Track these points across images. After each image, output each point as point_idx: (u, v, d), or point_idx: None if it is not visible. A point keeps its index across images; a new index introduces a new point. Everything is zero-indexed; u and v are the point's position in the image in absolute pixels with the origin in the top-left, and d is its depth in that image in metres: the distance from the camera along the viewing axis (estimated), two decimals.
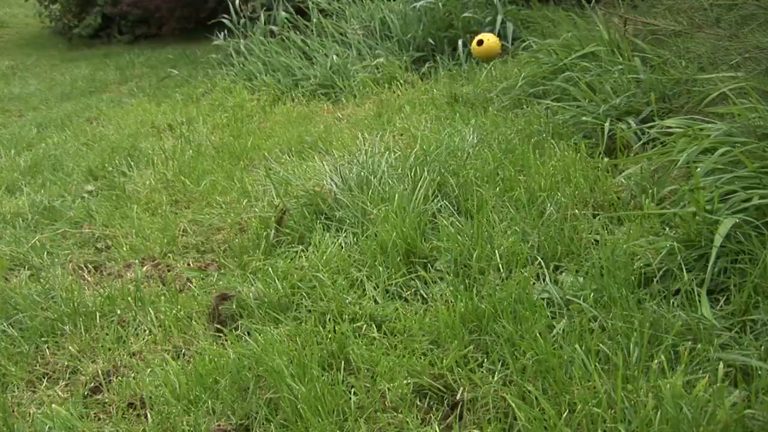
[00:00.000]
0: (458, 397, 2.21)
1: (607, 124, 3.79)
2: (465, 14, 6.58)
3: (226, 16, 8.69)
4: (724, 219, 2.50)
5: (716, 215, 2.56)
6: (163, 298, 3.06)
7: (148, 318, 2.91)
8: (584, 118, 3.94)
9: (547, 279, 2.66)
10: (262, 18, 8.34)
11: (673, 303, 2.40)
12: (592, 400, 2.01)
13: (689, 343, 2.19)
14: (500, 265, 2.75)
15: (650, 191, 3.01)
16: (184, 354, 2.70)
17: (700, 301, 2.35)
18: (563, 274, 2.70)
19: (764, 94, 2.89)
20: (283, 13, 8.04)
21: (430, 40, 6.68)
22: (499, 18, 6.46)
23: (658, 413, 1.88)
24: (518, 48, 5.87)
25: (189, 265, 3.44)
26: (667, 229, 2.76)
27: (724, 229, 2.45)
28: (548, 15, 5.94)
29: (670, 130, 3.29)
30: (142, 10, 12.92)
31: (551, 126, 4.03)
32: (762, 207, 2.52)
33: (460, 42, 6.42)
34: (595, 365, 2.12)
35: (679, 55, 4.18)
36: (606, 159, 3.48)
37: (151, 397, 2.44)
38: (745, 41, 2.81)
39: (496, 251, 2.80)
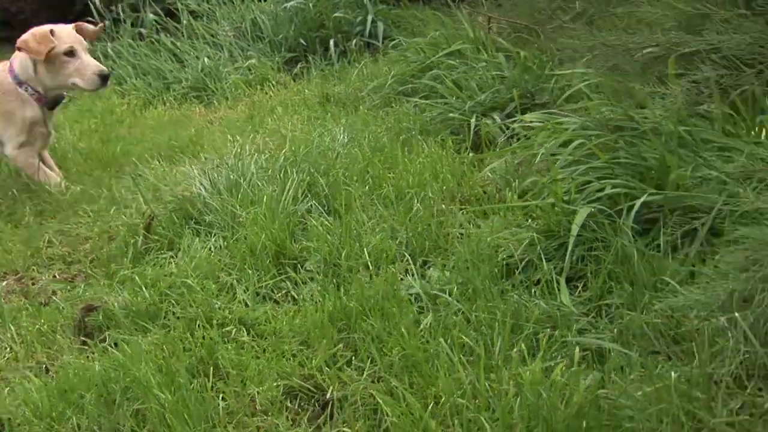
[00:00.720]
0: (328, 396, 2.22)
1: (473, 120, 3.88)
2: (336, 14, 6.59)
3: (91, 19, 8.42)
4: (580, 209, 2.60)
5: (573, 205, 2.66)
6: (25, 312, 2.95)
7: (9, 335, 2.79)
8: (451, 114, 4.03)
9: (415, 275, 2.70)
10: (129, 20, 8.11)
11: (534, 292, 2.48)
12: (456, 392, 2.05)
13: (549, 330, 2.27)
14: (369, 263, 2.77)
15: (513, 184, 3.10)
16: (47, 370, 2.61)
17: (559, 289, 2.44)
18: (431, 269, 2.75)
19: (613, 90, 3.02)
20: (151, 15, 7.86)
21: (302, 41, 6.67)
22: (370, 18, 6.50)
23: (518, 400, 1.94)
24: (388, 47, 5.93)
25: (55, 277, 3.32)
26: (530, 220, 2.85)
27: (580, 218, 2.55)
28: (417, 14, 6.02)
29: (531, 124, 3.39)
30: (2, 11, 12.35)
31: (419, 123, 4.10)
32: (614, 196, 2.63)
33: (331, 42, 6.43)
34: (460, 357, 2.17)
35: (541, 52, 4.32)
36: (472, 154, 3.56)
37: (10, 419, 2.34)
38: (594, 38, 2.94)
39: (365, 249, 2.82)
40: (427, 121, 4.10)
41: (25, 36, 4.13)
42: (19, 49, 4.13)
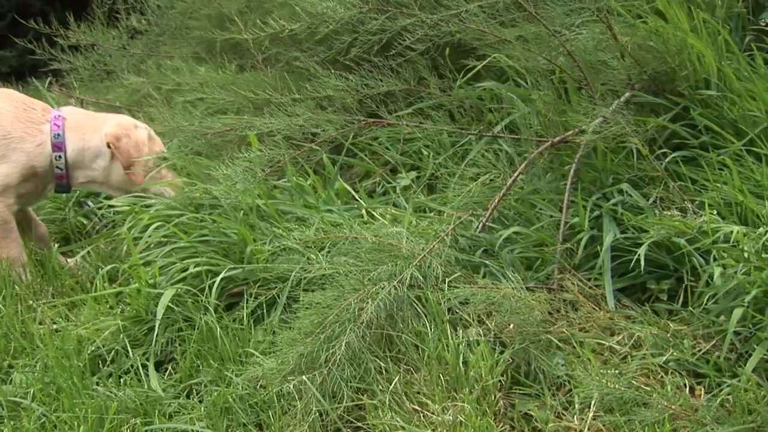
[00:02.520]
0: None
1: (67, 210, 3.75)
2: None
3: None
4: (165, 291, 2.60)
5: (159, 288, 2.65)
6: None
7: None
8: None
9: None
10: None
11: (124, 382, 2.42)
12: None
13: (136, 419, 2.22)
14: None
15: (102, 272, 3.01)
16: None
17: (148, 375, 2.42)
18: (15, 373, 2.58)
19: (195, 170, 3.12)
20: None
21: None
22: None
23: None
24: None
25: None
26: (121, 307, 2.79)
27: (165, 300, 2.55)
28: None
29: (120, 208, 3.32)
30: None
31: None
32: (199, 274, 2.67)
33: None
34: None
35: None
36: (58, 245, 3.41)
37: None
38: (173, 124, 3.08)
39: None
40: None
41: (116, 131, 3.23)
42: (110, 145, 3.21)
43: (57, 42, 4.79)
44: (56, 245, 3.38)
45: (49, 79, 5.44)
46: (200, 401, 2.31)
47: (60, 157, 3.18)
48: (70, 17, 4.58)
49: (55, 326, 2.82)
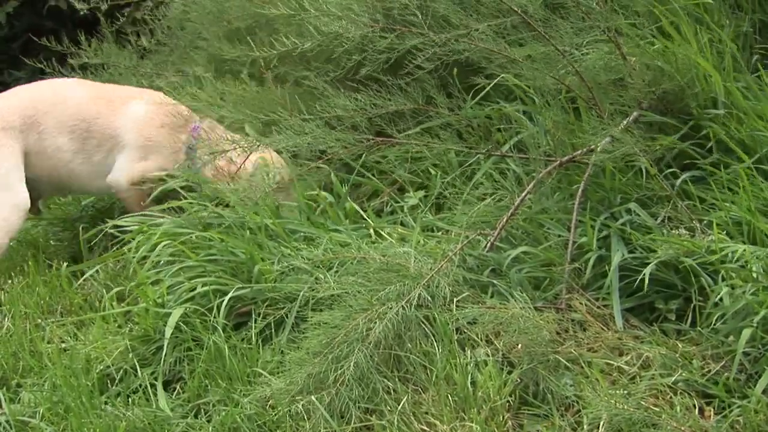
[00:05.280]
0: None
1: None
2: None
3: None
4: (174, 310, 2.61)
5: (167, 307, 2.66)
6: None
7: None
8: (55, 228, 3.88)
9: (3, 401, 2.52)
10: None
11: (133, 401, 2.42)
12: None
13: None
14: None
15: (112, 291, 3.02)
16: None
17: (156, 394, 2.42)
18: (24, 392, 2.59)
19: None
20: None
21: None
22: None
23: None
24: None
25: None
26: (130, 326, 2.80)
27: (173, 320, 2.55)
28: None
29: (129, 228, 3.33)
30: None
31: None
32: (207, 294, 2.67)
33: None
34: None
35: None
36: (66, 264, 3.42)
37: None
38: None
39: None
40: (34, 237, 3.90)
41: None
42: None
43: (67, 61, 4.81)
44: (65, 264, 3.38)
45: None
46: (208, 421, 2.32)
47: None
48: (81, 37, 4.61)
49: (63, 345, 2.83)
